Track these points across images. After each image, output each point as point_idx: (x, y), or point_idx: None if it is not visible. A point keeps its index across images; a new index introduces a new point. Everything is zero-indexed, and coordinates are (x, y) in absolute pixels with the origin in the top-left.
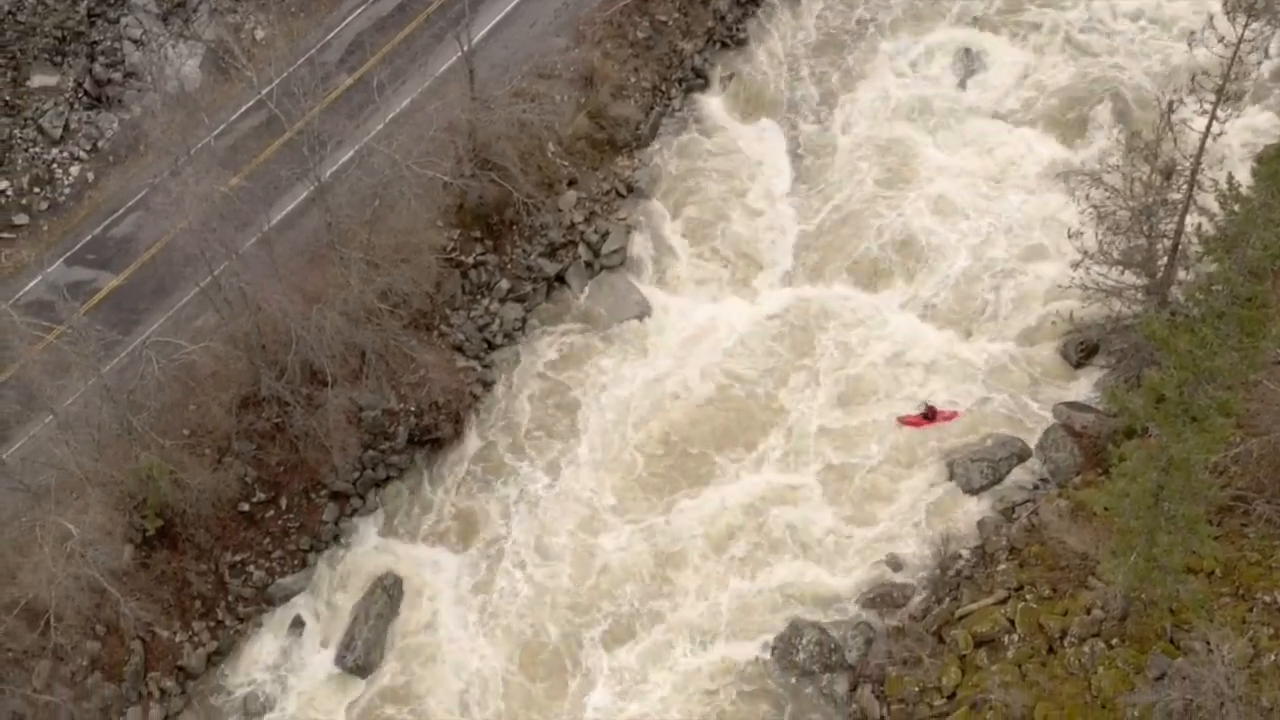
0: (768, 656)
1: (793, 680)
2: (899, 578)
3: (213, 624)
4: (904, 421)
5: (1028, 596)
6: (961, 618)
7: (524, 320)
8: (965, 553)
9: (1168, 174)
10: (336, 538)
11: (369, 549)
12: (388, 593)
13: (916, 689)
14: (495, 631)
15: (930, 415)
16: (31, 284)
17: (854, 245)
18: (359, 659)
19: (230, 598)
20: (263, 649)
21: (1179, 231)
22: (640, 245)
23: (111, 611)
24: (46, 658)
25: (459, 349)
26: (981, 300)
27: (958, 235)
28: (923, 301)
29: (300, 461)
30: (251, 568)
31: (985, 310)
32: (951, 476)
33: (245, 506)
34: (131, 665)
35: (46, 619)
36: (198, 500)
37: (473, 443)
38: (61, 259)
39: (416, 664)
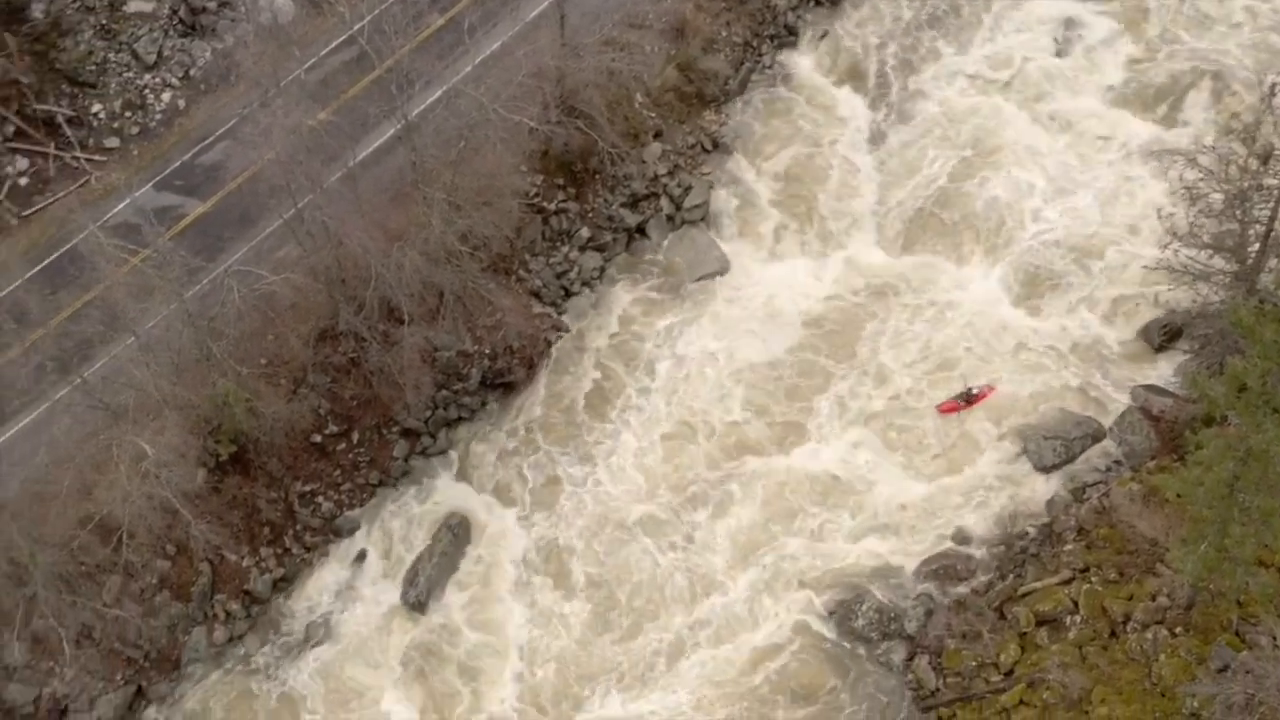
0: (826, 620)
1: (849, 646)
2: (964, 550)
3: (280, 551)
4: (943, 409)
5: (1093, 579)
6: (1024, 595)
7: (602, 269)
8: (1032, 530)
9: (1265, 158)
10: (406, 474)
11: (437, 488)
12: (453, 532)
13: (974, 663)
14: (555, 577)
15: (969, 398)
16: (120, 207)
17: (938, 213)
18: (421, 596)
19: (298, 527)
20: (327, 579)
21: (1273, 218)
22: (722, 201)
23: (182, 533)
24: (117, 573)
25: (536, 295)
26: (1065, 276)
27: (1045, 209)
28: (1004, 274)
29: (374, 397)
30: (321, 499)
31: (1068, 287)
32: (1024, 453)
33: (317, 438)
34: (199, 586)
35: (119, 536)
36: (271, 429)
37: (544, 389)
38: (150, 184)
39: (477, 605)
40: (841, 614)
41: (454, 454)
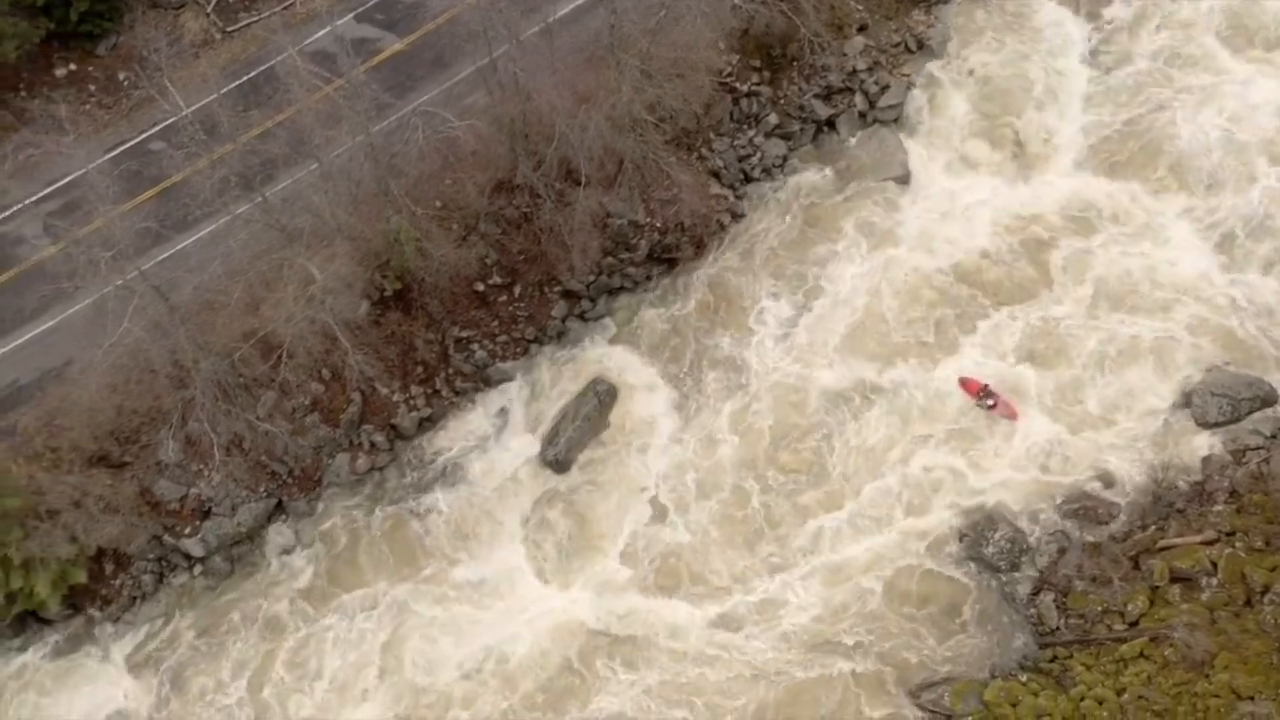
0: (957, 542)
1: (976, 571)
2: (1107, 495)
3: (430, 391)
4: (964, 383)
5: (1238, 544)
6: (1163, 549)
7: (785, 159)
8: (1183, 485)
9: None
10: (561, 335)
11: (590, 352)
12: (599, 398)
13: (1099, 608)
14: (694, 455)
15: (986, 394)
16: (320, 34)
17: (1143, 146)
18: (559, 455)
19: (450, 370)
20: (471, 425)
21: None
22: (918, 105)
23: (339, 360)
24: (273, 390)
25: (715, 175)
26: (1265, 229)
27: (1256, 155)
28: (1204, 217)
29: (540, 254)
30: (475, 346)
31: (1265, 240)
32: (1187, 406)
33: (480, 287)
34: (349, 414)
35: (279, 354)
36: (437, 271)
37: (710, 270)
38: (351, 14)
39: (611, 471)
40: (973, 538)
41: (611, 322)
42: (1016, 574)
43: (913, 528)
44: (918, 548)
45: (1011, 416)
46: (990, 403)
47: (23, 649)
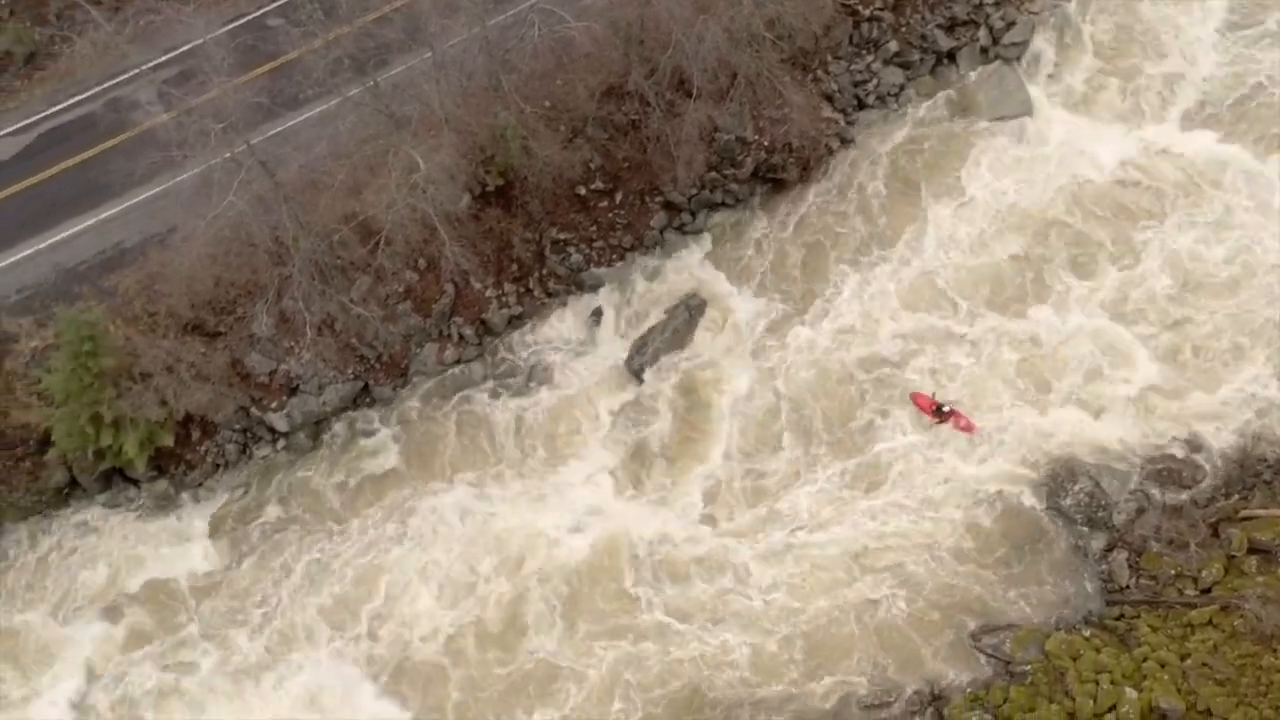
0: (1036, 489)
1: (1051, 520)
2: (1194, 458)
3: (522, 290)
4: (916, 398)
5: None
6: (1244, 519)
7: (901, 88)
8: (1272, 457)
9: None
10: (658, 245)
11: (685, 265)
12: (690, 311)
13: (1173, 572)
14: (776, 377)
15: (939, 412)
16: None
17: (1265, 108)
18: (645, 364)
19: (544, 271)
20: (560, 327)
21: None
22: (1043, 45)
23: (435, 251)
24: (368, 275)
25: (828, 98)
26: None
27: None
28: None
29: (644, 163)
30: (572, 249)
31: None
32: None
33: (582, 190)
34: (441, 305)
35: (377, 240)
36: (540, 171)
37: (813, 194)
38: None
39: (696, 385)
40: (1052, 488)
41: (709, 237)
42: (1092, 529)
43: (996, 469)
44: (997, 489)
45: (968, 430)
46: (947, 412)
47: (107, 505)
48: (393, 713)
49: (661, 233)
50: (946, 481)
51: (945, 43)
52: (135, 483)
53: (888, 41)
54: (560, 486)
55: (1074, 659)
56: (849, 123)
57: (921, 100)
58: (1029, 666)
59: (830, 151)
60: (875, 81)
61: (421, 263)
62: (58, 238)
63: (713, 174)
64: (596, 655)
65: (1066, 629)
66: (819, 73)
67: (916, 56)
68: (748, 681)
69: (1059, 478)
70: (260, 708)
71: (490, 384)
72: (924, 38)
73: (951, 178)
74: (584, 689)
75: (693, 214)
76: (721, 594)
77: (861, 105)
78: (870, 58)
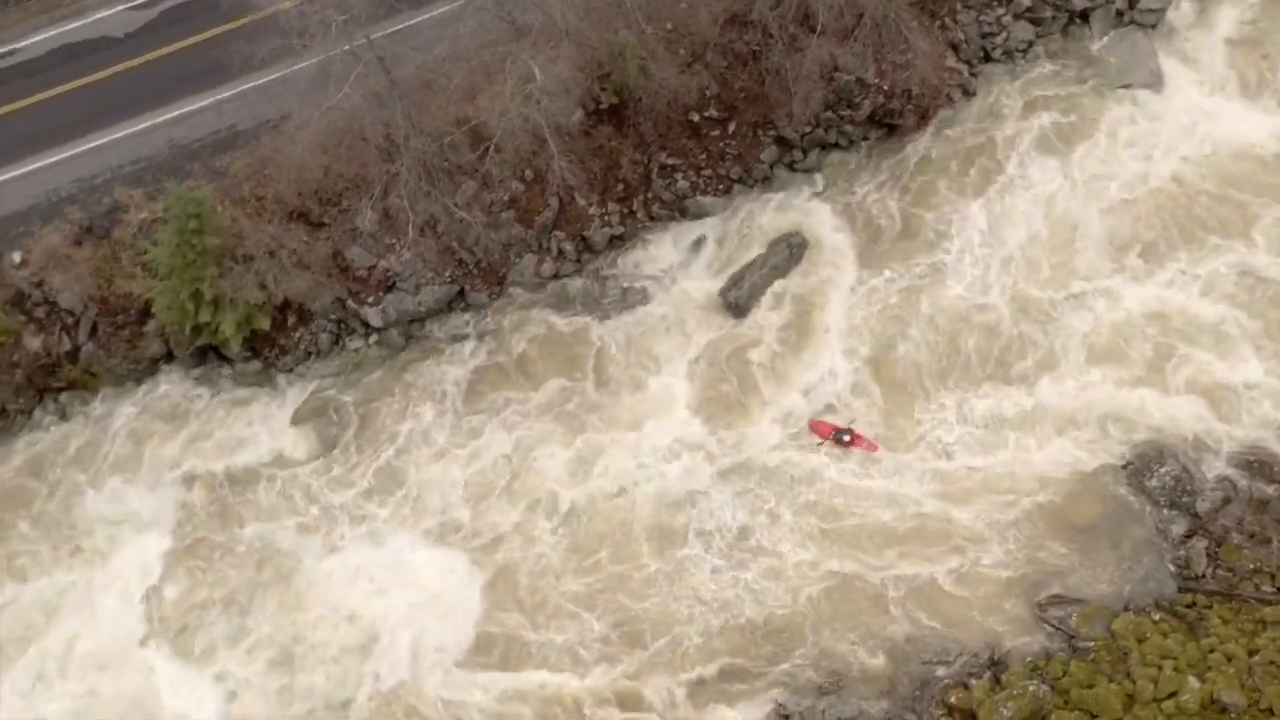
0: (1121, 467)
1: (1132, 500)
2: None
3: (625, 211)
4: (814, 427)
5: None
6: None
7: (1030, 44)
8: None
9: None
10: (766, 180)
11: (790, 203)
12: (791, 249)
13: (1251, 566)
14: (867, 332)
15: (839, 439)
16: None
17: None
18: (739, 299)
19: (650, 194)
20: (659, 253)
21: None
22: (1181, 15)
23: (543, 163)
24: (475, 180)
25: (954, 47)
26: None
27: None
28: None
29: (761, 95)
30: (679, 175)
31: None
32: None
33: (695, 117)
34: (543, 218)
35: (487, 146)
36: (656, 93)
37: (929, 144)
38: None
39: (788, 325)
40: (1138, 466)
41: (819, 177)
42: (1174, 512)
43: (1078, 442)
44: (1075, 460)
45: (871, 449)
46: (846, 438)
47: (200, 380)
48: (463, 601)
49: (771, 168)
50: (1033, 448)
51: (1080, 2)
52: (229, 361)
53: None
54: (642, 410)
55: (1139, 641)
56: (972, 74)
57: (1048, 59)
58: (1093, 643)
59: (950, 102)
60: (1004, 35)
61: (528, 174)
62: (174, 114)
63: (828, 113)
64: (654, 574)
65: (1135, 610)
66: (947, 20)
67: (1049, 13)
68: (812, 614)
69: (1147, 457)
70: (324, 586)
71: (584, 301)
72: None
73: (1070, 141)
74: (650, 604)
75: (804, 152)
76: (789, 528)
77: (987, 58)
78: (1001, 10)
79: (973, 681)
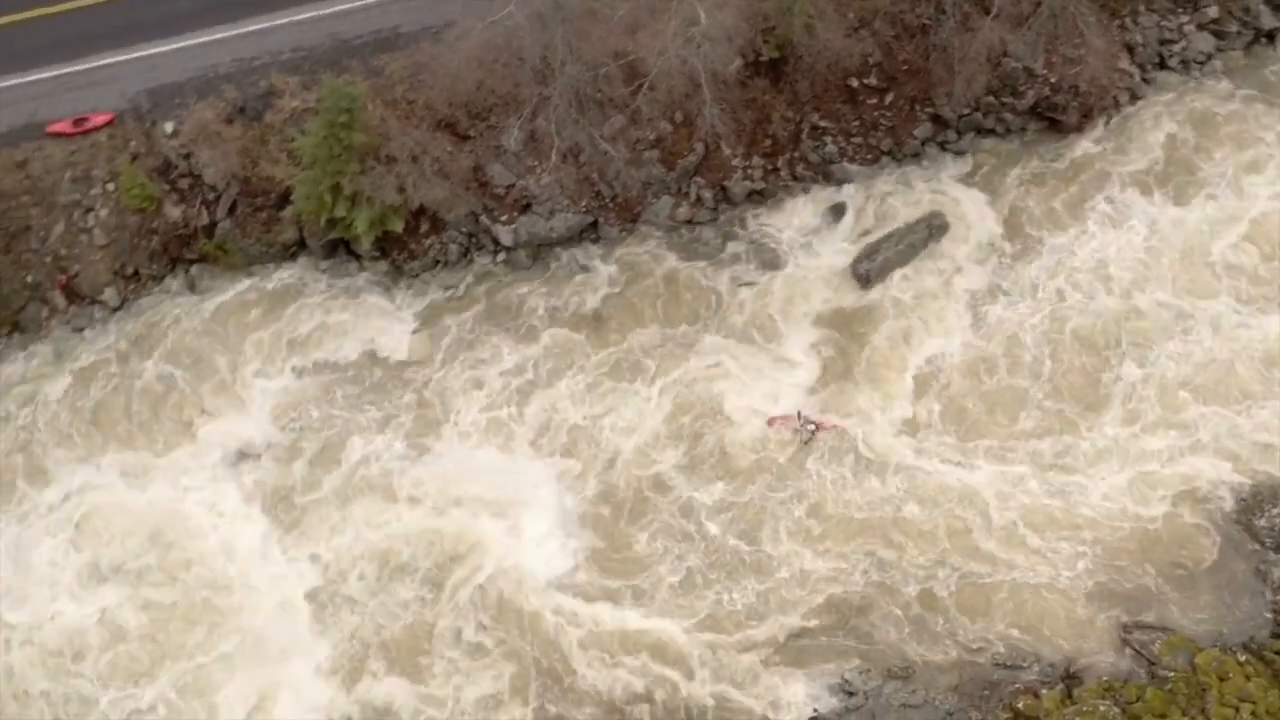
0: (1228, 502)
1: (1236, 537)
2: None
3: (769, 168)
4: (773, 422)
5: None
6: None
7: (1209, 57)
8: None
9: None
10: (915, 156)
11: (936, 183)
12: (930, 230)
13: None
14: (1002, 322)
15: (803, 425)
16: None
17: None
18: (870, 271)
19: (796, 154)
20: (796, 214)
21: None
22: None
23: (694, 108)
24: (623, 115)
25: (1129, 49)
26: None
27: None
28: None
29: (923, 70)
30: (829, 139)
31: None
32: None
33: (854, 83)
34: (686, 162)
35: (641, 83)
36: (818, 53)
37: (1088, 146)
38: None
39: (915, 305)
40: (1250, 504)
41: (970, 161)
42: (1279, 556)
43: (1184, 474)
44: (1193, 490)
45: (839, 427)
46: (811, 428)
47: (326, 272)
48: (559, 527)
49: (923, 144)
50: (1146, 469)
51: (1270, 21)
52: (357, 258)
53: (1208, 4)
54: (757, 367)
55: (1221, 679)
56: (1144, 80)
57: (1225, 75)
58: (1172, 673)
59: (1116, 105)
60: (1183, 44)
61: (678, 116)
62: (340, 8)
63: (989, 98)
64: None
65: (1222, 648)
66: (1127, 20)
67: (1234, 28)
68: (899, 600)
69: (1260, 495)
70: (419, 489)
71: (715, 252)
72: (1247, 10)
73: (1234, 164)
74: (748, 556)
75: (959, 133)
76: (894, 505)
77: (1162, 65)
78: (1185, 18)
79: (1044, 691)
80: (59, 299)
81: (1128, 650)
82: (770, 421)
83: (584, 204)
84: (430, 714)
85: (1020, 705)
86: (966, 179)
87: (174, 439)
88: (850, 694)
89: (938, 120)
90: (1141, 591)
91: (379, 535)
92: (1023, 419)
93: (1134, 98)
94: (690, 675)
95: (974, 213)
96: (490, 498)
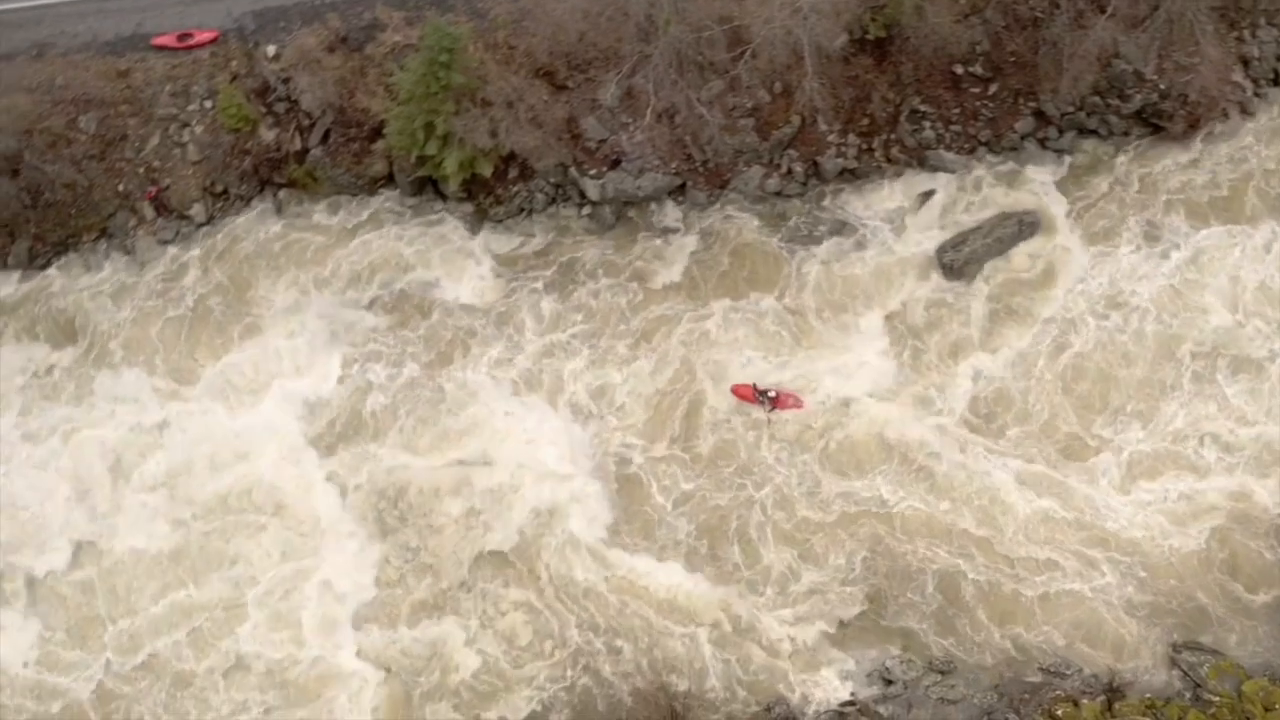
0: None
1: None
2: None
3: (864, 147)
4: (736, 391)
5: None
6: None
7: None
8: None
9: None
10: (1013, 150)
11: (1032, 180)
12: (1021, 225)
13: None
14: (1083, 327)
15: (762, 396)
16: None
17: None
18: (956, 262)
19: (893, 136)
20: (886, 197)
21: None
22: None
23: (795, 80)
24: (723, 80)
25: (1245, 62)
26: None
27: None
28: None
29: (1030, 64)
30: (927, 124)
31: None
32: None
33: (959, 70)
34: (781, 133)
35: (743, 50)
36: (925, 36)
37: (1192, 155)
38: None
39: (999, 299)
40: None
41: (1069, 160)
42: None
43: (1265, 491)
44: (1257, 512)
45: (798, 406)
46: (771, 396)
47: (412, 208)
48: (613, 483)
49: (1022, 139)
50: (1220, 487)
51: None
52: (443, 198)
53: None
54: (828, 342)
55: (1266, 709)
56: (1257, 94)
57: None
58: (1218, 698)
59: (1225, 118)
60: None
61: (777, 86)
62: None
63: (1095, 98)
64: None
65: (1270, 678)
66: (1245, 33)
67: None
68: (951, 594)
69: None
70: (476, 425)
71: (799, 226)
72: None
73: None
74: (795, 543)
75: (1060, 131)
76: (951, 501)
77: (1276, 81)
78: None
79: (1084, 700)
80: (147, 210)
81: (1175, 670)
82: (734, 390)
83: (674, 166)
84: (459, 634)
85: (1059, 712)
86: (1063, 179)
87: (243, 357)
88: (889, 682)
89: (1040, 116)
90: (1195, 612)
91: (429, 463)
92: (1087, 426)
93: (1244, 112)
94: (728, 644)
95: (1066, 214)
96: (537, 444)
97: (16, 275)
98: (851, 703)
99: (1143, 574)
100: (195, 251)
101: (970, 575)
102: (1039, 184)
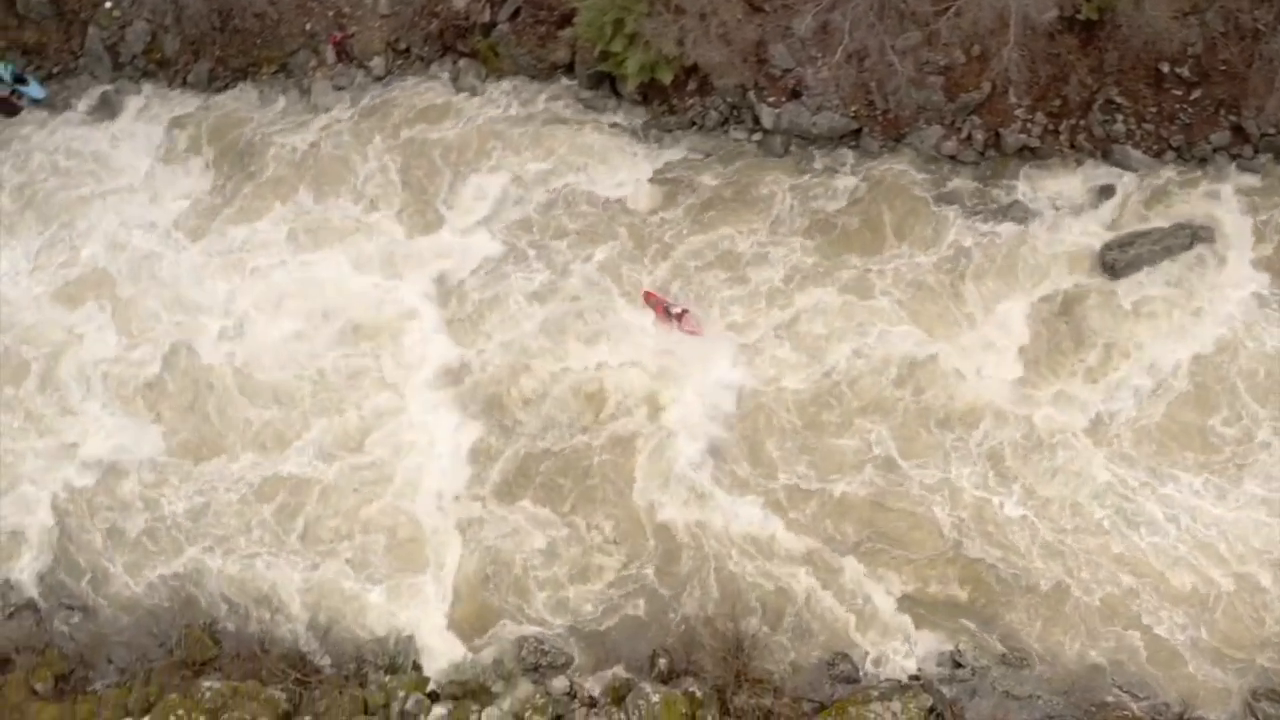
0: None
1: None
2: None
3: (1050, 129)
4: (647, 296)
5: None
6: None
7: None
8: None
9: None
10: (1201, 160)
11: (1215, 195)
12: (1193, 236)
13: None
14: (1217, 350)
15: (669, 314)
16: None
17: None
18: (1119, 261)
19: (1082, 122)
20: (1062, 184)
21: None
22: None
23: (995, 46)
24: (921, 33)
25: None
26: None
27: None
28: None
29: (1241, 77)
30: (1119, 117)
31: None
32: None
33: (1164, 68)
34: (968, 97)
35: (948, 6)
36: (1138, 28)
37: None
38: None
39: (1155, 307)
40: None
41: (1259, 181)
42: None
43: None
44: None
45: (694, 333)
46: (677, 313)
47: (586, 102)
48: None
49: (1214, 151)
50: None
51: None
52: (619, 97)
53: None
54: (969, 315)
55: None
56: None
57: None
58: None
59: None
60: None
61: (974, 49)
62: None
63: None
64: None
65: None
66: None
67: None
68: (1040, 594)
69: None
70: (604, 335)
71: (965, 194)
72: None
73: None
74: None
75: (1256, 151)
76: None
77: None
78: None
79: None
80: (329, 54)
81: (1250, 717)
82: (645, 296)
83: (854, 109)
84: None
85: None
86: (1248, 200)
87: (389, 217)
88: (959, 666)
89: (1238, 131)
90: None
91: (554, 367)
92: (1208, 456)
93: None
94: (810, 597)
95: (1244, 236)
96: (666, 365)
97: (194, 94)
98: (916, 678)
99: (1231, 609)
100: (367, 101)
101: (1066, 576)
102: (1223, 200)
